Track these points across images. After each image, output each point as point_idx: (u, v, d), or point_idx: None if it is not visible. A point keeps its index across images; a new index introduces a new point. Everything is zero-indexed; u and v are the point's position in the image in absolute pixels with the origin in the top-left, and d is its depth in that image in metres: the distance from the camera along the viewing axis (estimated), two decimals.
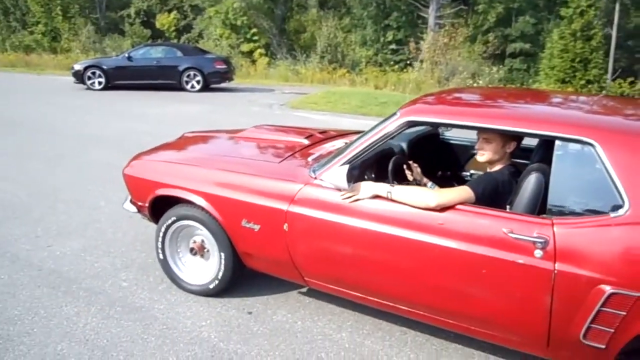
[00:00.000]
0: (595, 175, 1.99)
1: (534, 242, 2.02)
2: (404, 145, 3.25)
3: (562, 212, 2.05)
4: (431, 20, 22.17)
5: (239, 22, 26.41)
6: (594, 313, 1.94)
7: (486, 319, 2.23)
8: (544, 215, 2.09)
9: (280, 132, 3.58)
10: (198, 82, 13.44)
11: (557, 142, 2.09)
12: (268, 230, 2.69)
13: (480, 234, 2.15)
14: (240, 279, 3.15)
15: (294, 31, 28.59)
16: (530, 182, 2.28)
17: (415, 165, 2.91)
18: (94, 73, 13.48)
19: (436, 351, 2.62)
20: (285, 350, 2.61)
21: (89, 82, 13.50)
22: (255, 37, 26.77)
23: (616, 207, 1.93)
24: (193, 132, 3.99)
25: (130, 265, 3.51)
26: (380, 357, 2.56)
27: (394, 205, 2.34)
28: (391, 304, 2.51)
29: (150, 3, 32.40)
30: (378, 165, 2.87)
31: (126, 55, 13.87)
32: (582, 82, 12.86)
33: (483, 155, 2.48)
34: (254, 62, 23.04)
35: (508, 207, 2.32)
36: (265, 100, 12.60)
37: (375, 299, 2.55)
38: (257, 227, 2.72)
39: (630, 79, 25.00)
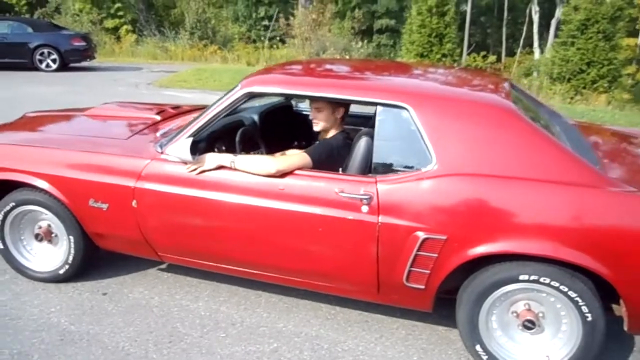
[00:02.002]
0: (411, 136, 2.24)
1: (361, 199, 2.23)
2: (256, 117, 3.34)
3: (385, 171, 2.28)
4: None
5: None
6: (412, 257, 2.20)
7: (326, 273, 2.42)
8: (370, 175, 2.30)
9: (131, 108, 3.49)
10: (54, 60, 12.37)
11: (378, 108, 2.31)
12: (117, 209, 2.65)
13: (316, 195, 2.32)
14: (95, 260, 3.08)
15: (163, 6, 27.23)
16: (361, 145, 2.50)
17: None
18: None
19: (287, 308, 2.80)
20: (140, 325, 2.62)
21: None
22: (120, 13, 25.10)
23: (426, 163, 2.18)
24: (36, 111, 3.73)
25: None
26: (235, 320, 2.67)
27: (238, 175, 2.43)
28: (243, 269, 2.62)
29: None
30: (229, 137, 2.94)
31: None
32: (438, 55, 13.83)
33: (317, 124, 2.64)
34: (119, 39, 21.66)
35: (340, 169, 2.51)
36: (132, 79, 11.98)
37: (228, 267, 2.65)
38: (105, 206, 2.66)
39: (483, 53, 27.37)
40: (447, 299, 2.41)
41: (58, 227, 2.88)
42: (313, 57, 15.87)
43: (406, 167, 2.26)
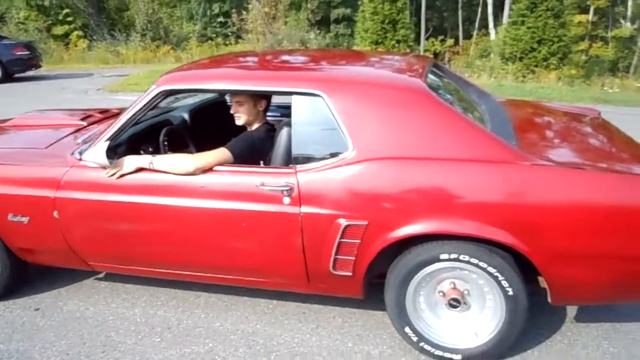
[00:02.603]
0: (327, 123, 2.21)
1: (282, 191, 2.20)
2: (186, 115, 3.28)
3: (304, 160, 2.25)
4: None
5: (46, 2, 23.85)
6: (336, 245, 2.18)
7: (255, 268, 2.40)
8: (291, 165, 2.27)
9: (55, 116, 3.39)
10: None
11: (293, 97, 2.28)
12: (38, 221, 2.56)
13: (238, 190, 2.29)
14: (28, 276, 2.98)
15: (115, 9, 26.62)
16: (282, 136, 2.47)
17: None
18: None
19: (226, 307, 2.76)
20: (73, 337, 2.55)
21: None
22: (70, 18, 24.44)
23: (344, 150, 2.17)
24: None
25: None
26: (171, 324, 2.63)
27: (159, 175, 2.37)
28: (174, 271, 2.58)
29: None
30: (157, 138, 2.86)
31: None
32: (393, 42, 13.88)
33: (240, 118, 2.60)
34: (67, 44, 21.11)
35: (262, 162, 2.48)
36: (81, 85, 11.68)
37: (159, 270, 2.59)
38: (26, 220, 2.57)
39: (440, 37, 27.57)
40: (382, 283, 2.40)
41: None
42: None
43: (325, 155, 2.23)
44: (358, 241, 2.16)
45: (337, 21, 25.74)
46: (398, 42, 13.86)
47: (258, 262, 2.37)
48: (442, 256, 2.12)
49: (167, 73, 2.55)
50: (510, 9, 16.03)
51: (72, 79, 13.16)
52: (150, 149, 2.84)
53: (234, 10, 18.50)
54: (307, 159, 2.25)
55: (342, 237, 2.17)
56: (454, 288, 2.24)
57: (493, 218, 2.03)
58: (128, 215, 2.44)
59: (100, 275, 3.12)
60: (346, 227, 2.15)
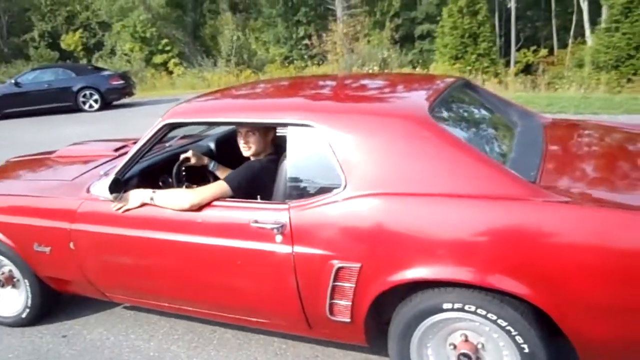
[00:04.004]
0: (321, 156, 2.06)
1: (273, 228, 2.07)
2: (212, 144, 3.26)
3: (298, 195, 2.11)
4: (339, 12, 22.43)
5: (148, 34, 25.88)
6: (330, 289, 2.00)
7: (252, 308, 2.28)
8: (286, 201, 2.13)
9: (95, 146, 3.52)
10: (96, 101, 13.00)
11: (288, 128, 2.15)
12: (58, 252, 2.63)
13: (232, 227, 2.19)
14: (62, 302, 3.08)
15: (211, 37, 28.22)
16: (283, 168, 2.34)
17: (189, 154, 2.79)
18: None
19: (239, 345, 2.65)
20: None
21: None
22: (168, 48, 26.31)
23: (338, 185, 2.00)
24: (18, 157, 3.84)
25: None
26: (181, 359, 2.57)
27: (160, 210, 2.34)
28: (181, 307, 2.52)
29: (54, 24, 31.14)
30: (177, 169, 2.85)
31: (13, 81, 13.25)
32: (474, 56, 13.35)
33: (250, 148, 2.50)
34: (170, 73, 22.64)
35: (261, 195, 2.36)
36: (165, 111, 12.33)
37: (167, 304, 2.56)
38: (48, 250, 2.66)
39: (533, 47, 26.17)
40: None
41: (16, 272, 2.90)
42: (354, 71, 15.79)
43: (319, 190, 2.08)
44: (352, 285, 1.97)
45: (422, 37, 25.36)
46: (480, 56, 13.32)
47: (255, 302, 2.24)
48: (445, 305, 1.87)
49: (175, 105, 2.54)
50: None
51: (159, 104, 13.93)
52: (170, 180, 2.84)
53: (313, 33, 18.81)
54: (301, 194, 2.11)
55: (335, 280, 1.99)
56: (466, 341, 1.96)
57: (500, 263, 1.76)
58: (132, 249, 2.43)
59: (128, 304, 3.15)
60: (339, 269, 1.96)
